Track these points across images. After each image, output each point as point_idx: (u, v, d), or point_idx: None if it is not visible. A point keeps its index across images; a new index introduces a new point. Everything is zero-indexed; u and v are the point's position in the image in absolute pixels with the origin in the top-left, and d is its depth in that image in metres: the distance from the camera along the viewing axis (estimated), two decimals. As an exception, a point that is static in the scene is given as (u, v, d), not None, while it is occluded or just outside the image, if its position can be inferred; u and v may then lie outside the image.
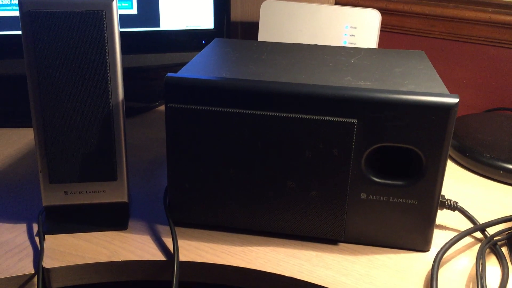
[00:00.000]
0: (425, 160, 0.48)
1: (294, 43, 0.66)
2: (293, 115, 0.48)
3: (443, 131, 0.47)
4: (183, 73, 0.52)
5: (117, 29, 0.48)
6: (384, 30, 0.90)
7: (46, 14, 0.46)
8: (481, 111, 0.87)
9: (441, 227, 0.55)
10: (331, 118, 0.48)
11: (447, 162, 0.70)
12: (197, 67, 0.54)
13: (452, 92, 0.89)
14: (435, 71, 0.55)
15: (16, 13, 0.76)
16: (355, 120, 0.47)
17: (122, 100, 0.51)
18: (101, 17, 0.47)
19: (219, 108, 0.49)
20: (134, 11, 0.82)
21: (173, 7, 0.84)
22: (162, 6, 0.83)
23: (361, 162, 0.49)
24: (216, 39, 0.67)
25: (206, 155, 0.51)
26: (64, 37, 0.47)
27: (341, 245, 0.52)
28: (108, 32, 0.48)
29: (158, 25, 0.84)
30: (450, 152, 0.72)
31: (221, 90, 0.49)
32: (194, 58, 0.58)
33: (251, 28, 0.99)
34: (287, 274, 0.48)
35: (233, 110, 0.49)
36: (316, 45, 0.66)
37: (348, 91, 0.47)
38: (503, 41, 0.82)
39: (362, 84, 0.50)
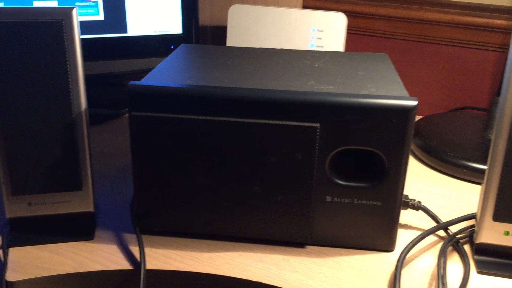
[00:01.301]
0: (387, 162, 0.49)
1: (260, 48, 0.66)
2: (256, 121, 0.48)
3: (403, 133, 0.48)
4: (146, 80, 0.52)
5: (77, 38, 0.48)
6: (351, 32, 0.92)
7: (3, 24, 0.45)
8: (446, 110, 0.89)
9: (406, 226, 0.57)
10: (293, 123, 0.48)
11: (414, 162, 0.72)
12: (161, 74, 0.54)
13: (418, 92, 0.91)
14: (396, 73, 0.56)
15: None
16: (318, 125, 0.48)
17: (85, 109, 0.50)
18: (61, 26, 0.46)
19: (182, 115, 0.49)
20: (100, 17, 0.82)
21: (140, 12, 0.83)
22: (129, 11, 0.83)
23: (325, 166, 0.50)
24: (182, 45, 0.67)
25: (171, 163, 0.51)
26: (23, 47, 0.46)
27: (309, 247, 0.53)
28: (68, 41, 0.47)
29: (126, 31, 0.84)
30: (416, 152, 0.73)
31: (184, 97, 0.49)
32: (159, 65, 0.58)
33: (221, 33, 0.99)
34: (254, 279, 0.48)
35: (197, 117, 0.49)
36: (282, 50, 0.66)
37: (310, 96, 0.48)
38: (465, 42, 0.84)
39: (325, 88, 0.51)
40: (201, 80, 0.52)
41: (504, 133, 0.46)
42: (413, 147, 0.74)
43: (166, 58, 0.60)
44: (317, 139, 0.48)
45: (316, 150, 0.49)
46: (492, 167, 0.48)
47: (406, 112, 0.47)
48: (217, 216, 0.52)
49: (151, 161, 0.51)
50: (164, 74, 0.54)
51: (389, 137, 0.48)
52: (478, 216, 0.50)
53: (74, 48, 0.48)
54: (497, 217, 0.49)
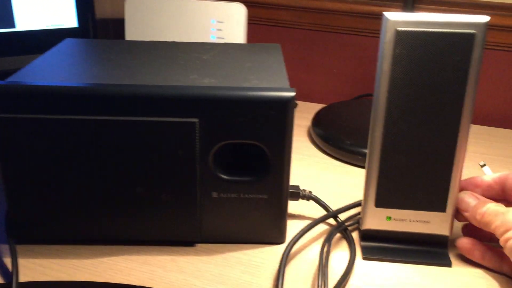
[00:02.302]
0: (270, 155, 0.48)
1: (150, 41, 0.64)
2: (132, 119, 0.46)
3: (283, 124, 0.47)
4: (15, 78, 0.48)
5: None
6: (255, 23, 0.91)
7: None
8: (351, 98, 0.91)
9: (300, 217, 0.57)
10: (171, 119, 0.46)
11: (314, 150, 0.72)
12: (34, 71, 0.50)
13: (324, 82, 0.92)
14: (283, 64, 0.56)
15: None
16: (197, 120, 0.47)
17: None
18: None
19: (52, 115, 0.46)
20: (-17, 11, 0.76)
21: (29, 5, 0.78)
22: (16, 4, 0.77)
23: (209, 161, 0.48)
24: (66, 39, 0.64)
25: (45, 167, 0.47)
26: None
27: (198, 246, 0.51)
28: None
29: (13, 26, 0.78)
30: (316, 140, 0.74)
31: (53, 96, 0.46)
32: (33, 61, 0.54)
33: (122, 26, 0.95)
34: (137, 283, 0.46)
35: (68, 117, 0.46)
36: (173, 42, 0.64)
37: (186, 91, 0.46)
38: (364, 30, 0.86)
39: (207, 82, 0.49)
40: (76, 77, 0.49)
41: (379, 119, 0.47)
42: (313, 136, 0.75)
43: (44, 54, 0.57)
44: (197, 134, 0.47)
45: (197, 146, 0.47)
46: (371, 155, 0.49)
47: (283, 103, 0.46)
48: (100, 220, 0.50)
49: (22, 166, 0.47)
50: (36, 71, 0.50)
51: (270, 129, 0.47)
52: (362, 204, 0.51)
53: None
54: (379, 203, 0.50)
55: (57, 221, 0.49)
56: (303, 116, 0.83)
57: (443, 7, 0.81)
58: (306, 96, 0.93)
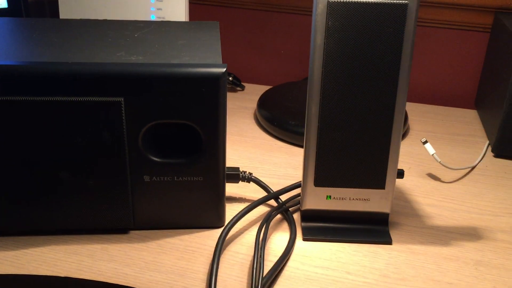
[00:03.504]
0: (203, 135, 0.46)
1: (81, 19, 0.60)
2: (53, 99, 0.43)
3: (216, 102, 0.45)
4: None
5: None
6: (199, 3, 0.88)
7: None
8: (300, 79, 0.89)
9: (239, 199, 0.55)
10: (94, 99, 0.43)
11: (259, 132, 0.71)
12: None
13: (272, 63, 0.90)
14: (219, 42, 0.53)
15: None
16: (122, 99, 0.44)
17: None
18: None
19: (-40, 97, 0.42)
20: None
21: (-48, -16, 0.72)
22: None
23: (138, 143, 0.46)
24: (-12, 18, 0.59)
25: (-43, 153, 0.44)
26: None
27: (132, 233, 0.49)
28: None
29: None
30: (261, 122, 0.72)
31: (-39, 75, 0.42)
32: None
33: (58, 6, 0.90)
34: (63, 274, 0.43)
35: (-20, 98, 0.42)
36: (105, 20, 0.60)
37: (110, 68, 0.43)
38: (310, 9, 0.84)
39: (134, 59, 0.46)
40: (-10, 56, 0.45)
41: (315, 95, 0.46)
42: (258, 117, 0.73)
43: (-41, 32, 0.52)
44: (123, 114, 0.44)
45: (124, 126, 0.45)
46: (308, 132, 0.47)
47: (215, 79, 0.44)
48: (23, 209, 0.46)
49: None
50: None
51: (201, 108, 0.45)
52: (302, 183, 0.50)
53: None
54: (318, 182, 0.48)
55: (-26, 212, 0.46)
56: (250, 98, 0.81)
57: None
58: (253, 78, 0.91)
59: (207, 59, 0.47)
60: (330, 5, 0.43)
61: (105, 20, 0.60)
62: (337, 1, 0.43)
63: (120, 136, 0.45)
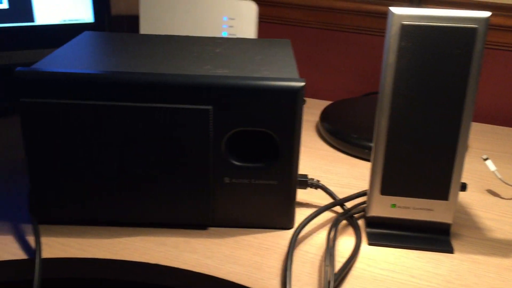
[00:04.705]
0: (279, 142, 0.51)
1: (165, 35, 0.66)
2: (149, 105, 0.49)
3: (293, 113, 0.49)
4: (38, 66, 0.50)
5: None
6: (265, 21, 0.93)
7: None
8: (359, 95, 0.93)
9: (307, 205, 0.59)
10: (187, 106, 0.49)
11: (322, 144, 0.75)
12: (55, 60, 0.53)
13: (332, 79, 0.94)
14: (293, 57, 0.58)
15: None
16: (211, 107, 0.49)
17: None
18: None
19: (72, 101, 0.48)
20: (4, 5, 0.79)
21: (48, 0, 0.81)
22: None
23: (221, 147, 0.51)
24: (84, 32, 0.66)
25: (66, 150, 0.50)
26: None
27: (210, 229, 0.54)
28: None
29: (33, 20, 0.81)
30: (324, 134, 0.76)
31: (74, 82, 0.48)
32: (55, 51, 0.56)
33: (137, 22, 0.98)
34: (153, 261, 0.48)
35: (90, 102, 0.48)
36: (187, 36, 0.66)
37: (202, 79, 0.49)
38: (372, 29, 0.88)
39: (220, 72, 0.52)
40: (94, 66, 0.52)
41: (385, 109, 0.49)
42: (321, 130, 0.77)
43: (64, 44, 0.59)
44: (210, 121, 0.49)
45: (211, 132, 0.50)
46: (377, 145, 0.51)
47: (294, 92, 0.49)
48: (117, 202, 0.52)
49: (44, 150, 0.50)
50: (58, 60, 0.53)
51: (280, 117, 0.50)
52: (368, 191, 0.53)
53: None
54: (384, 191, 0.52)
55: (77, 203, 0.52)
56: (311, 112, 0.85)
57: (447, 7, 0.83)
58: (314, 93, 0.95)
59: (285, 73, 0.52)
60: (403, 28, 0.47)
61: (187, 36, 0.66)
62: (410, 24, 0.47)
63: (206, 140, 0.50)
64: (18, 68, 0.48)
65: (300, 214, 0.56)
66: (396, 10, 0.47)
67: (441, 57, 0.47)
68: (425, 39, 0.47)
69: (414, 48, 0.47)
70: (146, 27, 0.86)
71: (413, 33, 0.47)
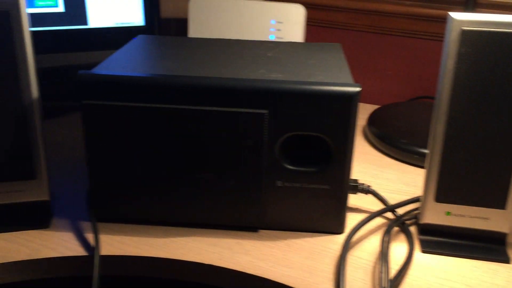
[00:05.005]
0: (333, 147, 0.51)
1: (216, 39, 0.67)
2: (207, 108, 0.50)
3: (347, 118, 0.49)
4: (98, 69, 0.52)
5: (26, 27, 0.48)
6: (312, 24, 0.93)
7: None
8: (406, 99, 0.92)
9: (357, 210, 0.59)
10: (243, 110, 0.49)
11: (369, 148, 0.74)
12: (114, 63, 0.55)
13: (378, 83, 0.93)
14: (345, 62, 0.58)
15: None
16: (266, 111, 0.49)
17: (37, 98, 0.51)
18: (7, 16, 0.47)
19: (132, 103, 0.50)
20: (60, 9, 0.82)
21: (101, 4, 0.84)
22: (89, 3, 0.83)
23: (275, 151, 0.51)
24: (139, 36, 0.68)
25: (125, 151, 0.51)
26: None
27: (261, 231, 0.54)
28: (16, 30, 0.47)
29: (86, 23, 0.84)
30: (372, 139, 0.75)
31: (133, 85, 0.50)
32: (112, 55, 0.58)
33: (184, 25, 1.00)
34: (207, 262, 0.49)
35: (148, 105, 0.50)
36: (238, 40, 0.67)
37: (258, 83, 0.49)
38: (421, 33, 0.87)
39: (274, 76, 0.52)
40: (152, 69, 0.53)
41: (442, 116, 0.49)
42: (369, 134, 0.76)
43: (121, 48, 0.61)
44: (266, 125, 0.50)
45: (265, 136, 0.50)
46: (433, 151, 0.50)
47: (349, 98, 0.49)
48: (172, 203, 0.53)
49: (104, 150, 0.51)
50: (116, 63, 0.55)
51: (334, 122, 0.50)
52: (422, 198, 0.52)
53: (23, 38, 0.48)
54: (439, 198, 0.51)
55: (134, 202, 0.53)
56: (358, 116, 0.85)
57: (503, 11, 0.81)
58: (360, 97, 0.94)
59: (339, 78, 0.52)
60: (463, 33, 0.46)
61: (238, 40, 0.67)
62: (471, 30, 0.46)
63: (260, 144, 0.50)
64: (81, 71, 0.50)
65: (350, 219, 0.56)
66: (456, 15, 0.46)
67: (502, 64, 0.46)
68: (486, 45, 0.46)
69: (474, 54, 0.46)
70: (194, 30, 0.87)
71: (474, 39, 0.46)
